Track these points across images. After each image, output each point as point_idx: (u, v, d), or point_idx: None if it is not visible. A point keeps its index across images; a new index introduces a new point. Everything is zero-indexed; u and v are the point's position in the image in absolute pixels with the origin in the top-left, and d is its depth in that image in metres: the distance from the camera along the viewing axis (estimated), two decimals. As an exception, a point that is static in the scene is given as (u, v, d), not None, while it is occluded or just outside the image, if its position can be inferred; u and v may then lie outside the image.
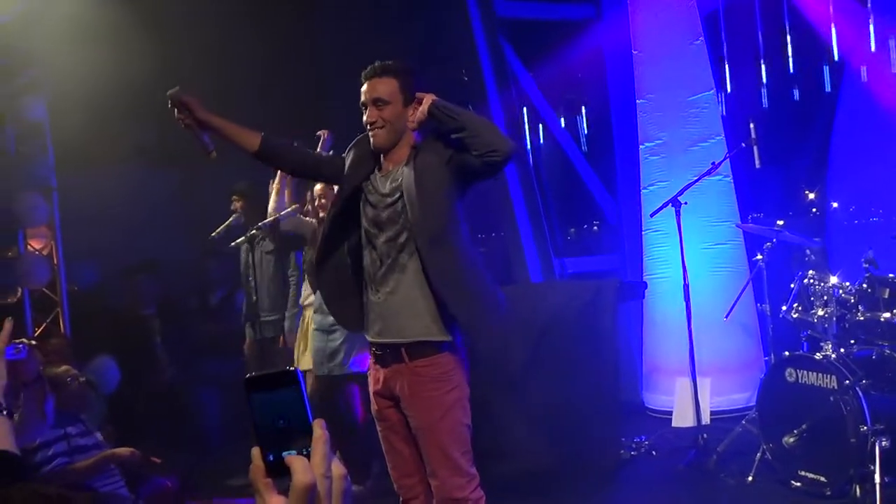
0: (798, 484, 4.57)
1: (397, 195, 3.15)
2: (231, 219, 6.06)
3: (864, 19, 6.75)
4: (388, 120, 3.16)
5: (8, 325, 1.92)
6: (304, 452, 1.04)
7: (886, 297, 4.56)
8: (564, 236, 8.43)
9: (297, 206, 5.42)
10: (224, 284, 7.06)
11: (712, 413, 6.23)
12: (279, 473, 1.03)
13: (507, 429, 5.13)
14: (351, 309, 3.33)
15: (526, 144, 8.02)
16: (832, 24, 7.00)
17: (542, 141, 8.44)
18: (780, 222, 5.49)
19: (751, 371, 6.50)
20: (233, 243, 5.77)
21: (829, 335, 4.69)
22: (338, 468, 1.05)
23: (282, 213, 5.38)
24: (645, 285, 6.10)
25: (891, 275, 4.60)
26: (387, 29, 7.75)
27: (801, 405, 4.58)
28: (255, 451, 1.05)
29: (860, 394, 4.30)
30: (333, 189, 4.74)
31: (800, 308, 4.94)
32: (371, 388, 3.35)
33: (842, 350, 4.59)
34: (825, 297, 4.75)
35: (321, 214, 5.17)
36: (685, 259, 5.43)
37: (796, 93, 8.26)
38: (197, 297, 7.28)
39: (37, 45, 6.31)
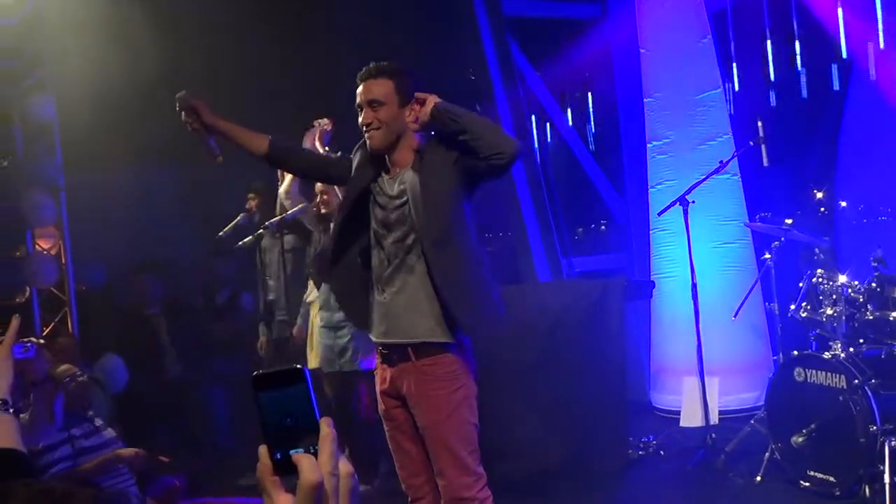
0: (807, 484, 4.56)
1: (405, 198, 3.14)
2: (239, 218, 6.07)
3: (872, 17, 6.72)
4: (383, 121, 3.14)
5: (15, 322, 1.92)
6: (312, 450, 1.04)
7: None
8: (572, 235, 8.41)
9: (306, 203, 5.42)
10: (230, 284, 7.07)
11: (720, 413, 6.21)
12: (286, 472, 1.03)
13: (515, 428, 5.12)
14: (364, 308, 3.33)
15: (533, 143, 8.01)
16: (840, 22, 6.98)
17: (549, 140, 8.43)
18: (789, 221, 5.47)
19: (759, 370, 6.48)
20: (240, 243, 5.78)
21: (838, 334, 4.67)
22: (345, 466, 1.05)
23: (289, 212, 5.38)
24: (652, 284, 6.09)
25: (900, 273, 4.59)
26: (394, 28, 7.75)
27: (810, 405, 4.57)
28: (263, 450, 1.04)
29: (869, 393, 4.28)
30: (334, 187, 4.76)
31: (808, 307, 4.92)
32: (378, 388, 3.35)
33: (851, 349, 4.57)
34: (834, 296, 4.73)
35: (322, 211, 5.19)
36: (693, 258, 5.42)
37: (804, 91, 8.23)
38: (203, 297, 7.29)
39: (45, 45, 6.33)
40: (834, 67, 7.84)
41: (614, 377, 5.36)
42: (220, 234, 6.00)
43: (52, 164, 6.57)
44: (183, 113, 3.18)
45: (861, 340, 4.67)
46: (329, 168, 3.51)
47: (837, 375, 4.43)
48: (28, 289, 6.52)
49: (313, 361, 5.36)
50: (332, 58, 6.59)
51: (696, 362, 5.44)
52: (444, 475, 3.15)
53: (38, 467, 3.50)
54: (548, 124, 8.31)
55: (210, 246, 6.58)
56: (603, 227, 9.79)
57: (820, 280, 4.82)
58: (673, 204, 5.46)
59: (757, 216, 6.67)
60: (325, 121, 4.33)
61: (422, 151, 3.16)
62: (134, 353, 6.38)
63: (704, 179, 5.54)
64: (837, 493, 4.39)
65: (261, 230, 5.62)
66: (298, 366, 1.07)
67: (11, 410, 1.79)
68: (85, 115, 6.09)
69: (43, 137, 6.59)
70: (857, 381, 4.32)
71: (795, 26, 7.67)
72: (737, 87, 7.69)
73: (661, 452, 5.65)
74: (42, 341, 5.08)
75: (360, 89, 3.19)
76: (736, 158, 6.10)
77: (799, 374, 4.66)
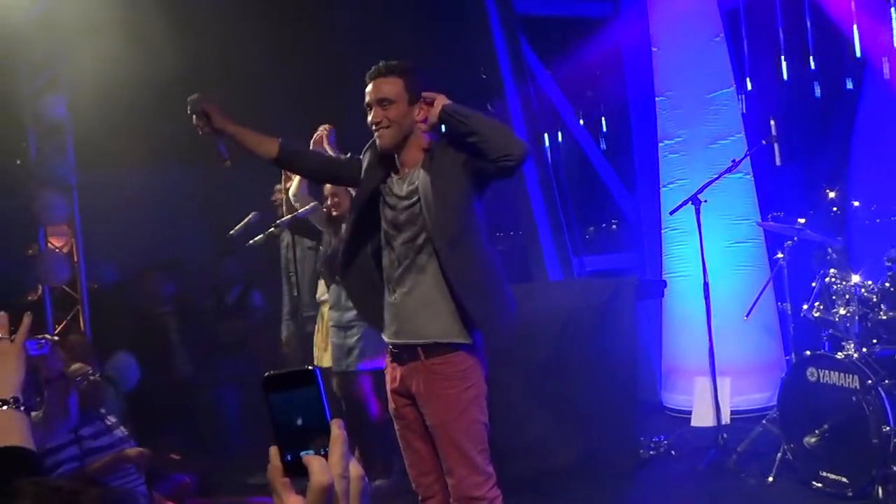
0: (819, 485, 4.53)
1: (415, 198, 3.14)
2: (250, 216, 6.07)
3: (886, 15, 6.68)
4: (393, 120, 3.15)
5: (27, 319, 1.93)
6: (322, 452, 1.04)
7: (909, 295, 4.52)
8: (583, 234, 8.39)
9: (315, 203, 5.42)
10: (240, 282, 7.08)
11: (732, 413, 6.19)
12: (297, 473, 1.03)
13: (525, 428, 5.12)
14: (378, 309, 3.33)
15: (544, 142, 8.00)
16: (854, 21, 6.94)
17: (560, 139, 8.41)
18: (801, 220, 5.45)
19: (771, 370, 6.45)
20: (251, 241, 5.78)
21: (851, 334, 4.64)
22: (355, 468, 1.05)
23: (300, 210, 5.38)
24: (664, 284, 6.07)
25: (914, 273, 4.56)
26: (406, 27, 7.74)
27: (823, 405, 4.54)
28: (273, 451, 1.04)
29: (882, 394, 4.26)
30: (344, 188, 4.76)
31: (821, 307, 4.89)
32: (388, 386, 3.35)
33: (864, 349, 4.54)
34: (847, 296, 4.70)
35: (333, 213, 5.19)
36: (705, 257, 5.40)
37: (817, 90, 8.18)
38: (213, 295, 7.30)
39: (57, 44, 6.35)
40: (847, 66, 7.80)
41: (625, 377, 5.35)
42: (232, 232, 6.00)
43: (64, 164, 6.60)
44: (194, 116, 3.19)
45: (874, 340, 4.64)
46: (338, 169, 3.51)
47: (850, 376, 4.41)
48: (40, 287, 6.56)
49: (327, 361, 5.37)
50: (345, 56, 6.59)
51: (708, 362, 5.42)
52: (454, 474, 3.15)
53: (45, 467, 3.50)
54: (559, 123, 8.29)
55: (221, 245, 6.59)
56: (614, 227, 9.75)
57: (833, 280, 4.79)
58: (685, 203, 5.44)
59: (769, 215, 6.65)
60: (324, 126, 4.36)
61: (432, 151, 3.16)
62: (145, 352, 6.39)
63: (717, 178, 5.51)
64: (850, 494, 4.37)
65: (272, 228, 5.63)
66: (310, 367, 1.07)
67: (23, 408, 1.79)
68: (97, 114, 6.11)
69: (55, 137, 6.62)
70: (870, 381, 4.30)
71: (809, 25, 7.62)
72: (749, 86, 7.65)
73: (673, 452, 5.63)
74: (56, 338, 5.09)
75: (369, 88, 3.20)
76: (748, 157, 6.07)
77: (811, 374, 4.64)
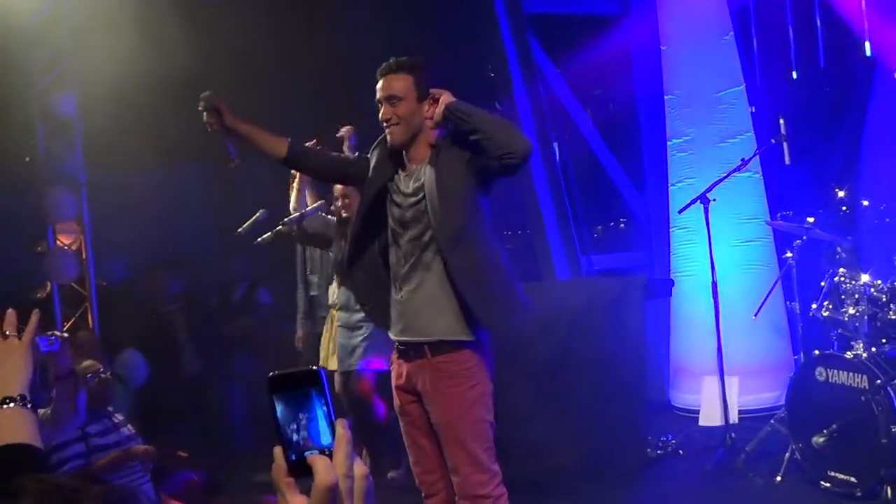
0: (827, 485, 4.52)
1: (421, 195, 3.14)
2: (258, 214, 6.06)
3: (896, 14, 6.65)
4: (402, 116, 3.15)
5: (35, 317, 1.93)
6: (327, 452, 1.03)
7: (919, 295, 4.50)
8: (591, 233, 8.38)
9: (323, 202, 5.42)
10: (246, 280, 7.09)
11: (740, 412, 6.17)
12: (301, 473, 1.03)
13: (532, 426, 5.11)
14: (385, 307, 3.34)
15: (553, 141, 7.98)
16: (864, 20, 6.91)
17: (568, 137, 8.39)
18: (811, 219, 5.42)
19: (780, 370, 6.42)
20: (259, 239, 5.78)
21: (860, 334, 4.62)
22: (360, 468, 1.04)
23: (307, 208, 5.39)
24: (672, 283, 6.06)
25: (924, 273, 4.54)
26: (415, 25, 7.74)
27: (832, 405, 4.53)
28: (278, 451, 1.04)
29: (892, 393, 4.24)
30: (354, 189, 4.75)
31: (830, 306, 4.87)
32: (394, 383, 3.36)
33: (873, 349, 4.53)
34: (856, 296, 4.68)
35: (344, 214, 5.19)
36: (713, 256, 5.39)
37: (827, 89, 8.14)
38: (220, 293, 7.31)
39: (66, 41, 6.36)
40: (857, 65, 7.76)
41: (633, 376, 5.34)
42: (240, 230, 6.00)
43: (73, 161, 6.61)
44: (205, 113, 3.20)
45: (883, 340, 4.62)
46: (346, 168, 3.51)
47: (859, 375, 4.39)
48: (49, 284, 6.57)
49: (333, 364, 5.37)
50: (356, 55, 6.58)
51: (716, 361, 5.41)
52: (459, 472, 3.15)
53: (50, 464, 3.50)
54: (567, 121, 8.28)
55: (229, 243, 6.59)
56: (622, 225, 9.73)
57: (842, 279, 4.77)
58: (694, 202, 5.43)
59: (778, 214, 6.60)
60: (346, 128, 4.36)
61: (438, 147, 3.16)
62: (152, 350, 6.41)
63: (725, 177, 5.49)
64: (858, 494, 4.35)
65: (279, 226, 5.63)
66: (314, 367, 1.07)
67: (30, 406, 1.80)
68: (106, 112, 6.12)
69: (64, 134, 6.63)
70: (879, 381, 4.28)
71: (819, 23, 7.59)
72: (759, 85, 7.62)
73: (680, 452, 5.62)
74: (66, 335, 5.10)
75: (379, 84, 3.20)
76: (757, 156, 6.05)
77: (820, 373, 4.62)
